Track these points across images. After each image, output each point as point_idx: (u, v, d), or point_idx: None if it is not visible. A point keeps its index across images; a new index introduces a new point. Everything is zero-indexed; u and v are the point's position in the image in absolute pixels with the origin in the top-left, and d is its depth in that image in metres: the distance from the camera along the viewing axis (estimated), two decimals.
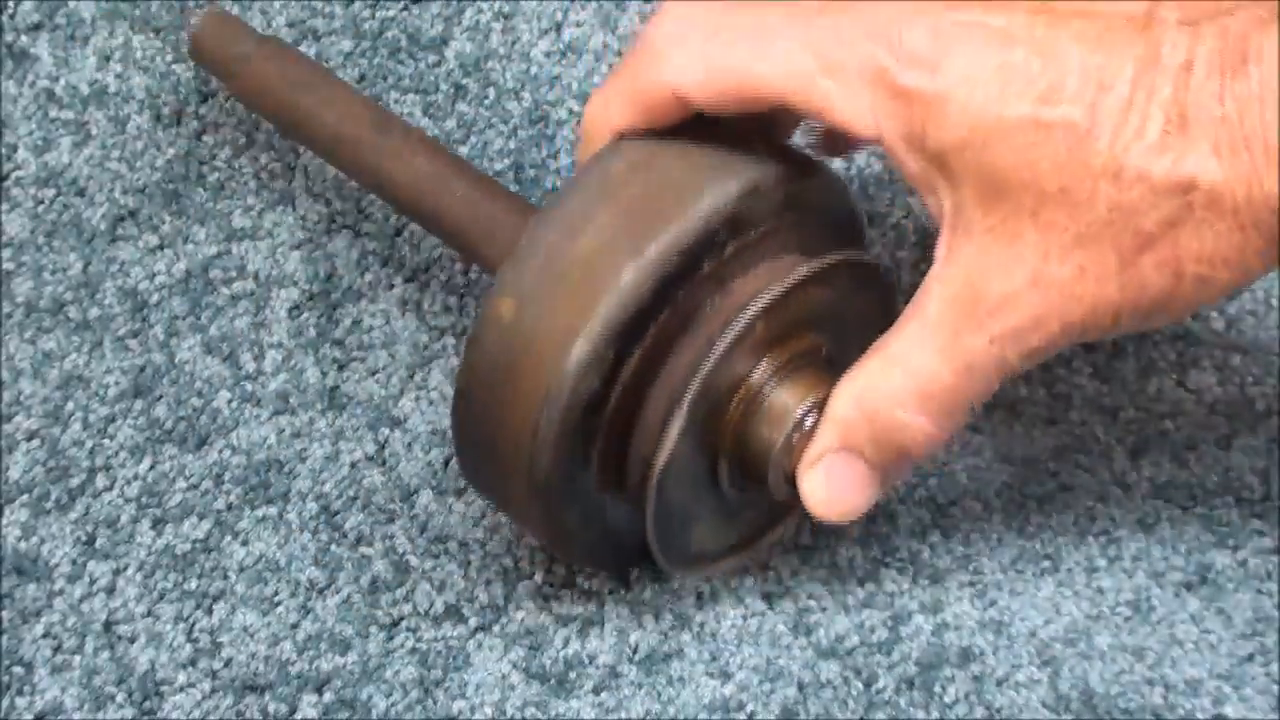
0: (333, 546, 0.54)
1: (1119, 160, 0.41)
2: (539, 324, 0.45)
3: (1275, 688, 0.52)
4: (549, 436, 0.46)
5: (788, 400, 0.47)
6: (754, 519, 0.52)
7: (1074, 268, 0.43)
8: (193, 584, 0.53)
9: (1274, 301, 0.59)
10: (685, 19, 0.46)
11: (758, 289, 0.46)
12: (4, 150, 0.61)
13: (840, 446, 0.46)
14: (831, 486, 0.47)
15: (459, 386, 0.48)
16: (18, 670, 0.52)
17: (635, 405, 0.46)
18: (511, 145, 0.62)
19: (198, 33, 0.60)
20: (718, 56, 0.45)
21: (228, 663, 0.52)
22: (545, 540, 0.52)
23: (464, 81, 0.63)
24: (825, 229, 0.49)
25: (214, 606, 0.53)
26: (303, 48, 0.63)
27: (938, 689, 0.52)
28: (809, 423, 0.47)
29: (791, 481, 0.48)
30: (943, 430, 0.46)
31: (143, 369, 0.57)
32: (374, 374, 0.57)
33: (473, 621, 0.53)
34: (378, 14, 0.64)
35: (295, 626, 0.53)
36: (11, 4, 0.64)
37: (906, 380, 0.45)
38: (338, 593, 0.53)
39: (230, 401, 0.56)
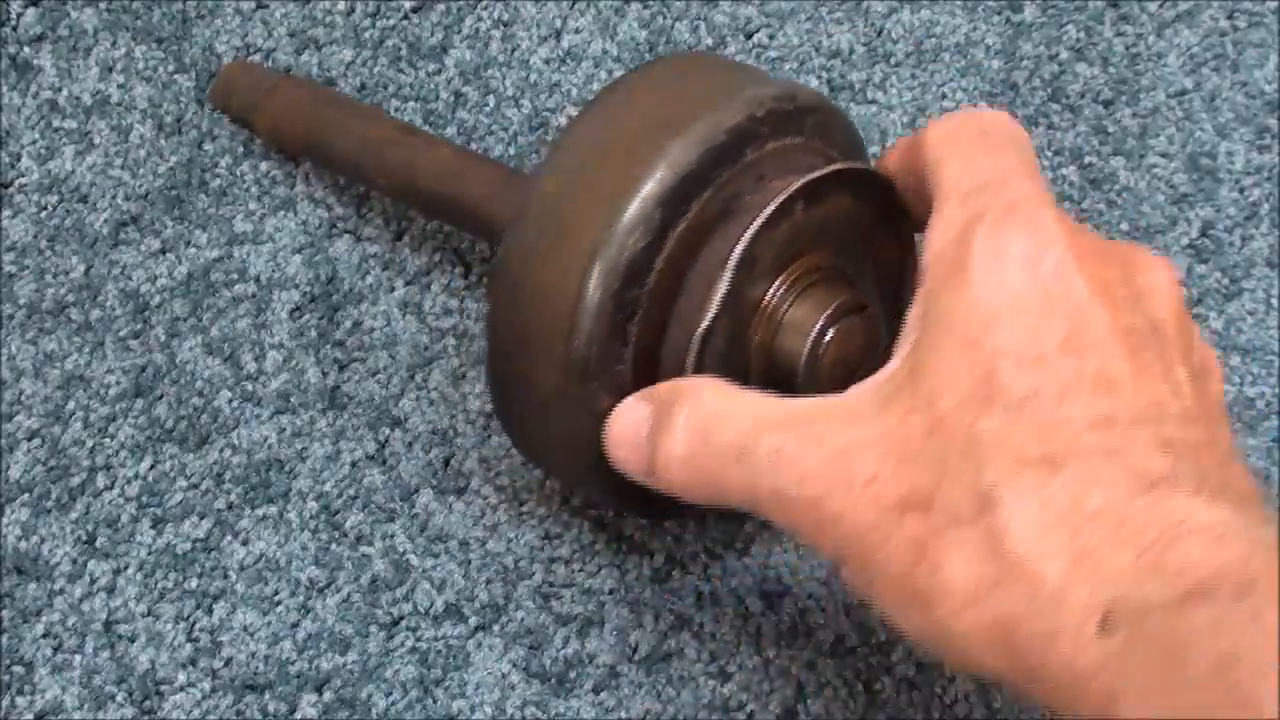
0: (333, 546, 0.54)
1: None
2: (587, 192, 0.46)
3: None
4: (594, 298, 0.45)
5: (807, 313, 0.47)
6: None
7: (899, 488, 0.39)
8: (193, 583, 0.53)
9: (1273, 302, 0.59)
10: None
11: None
12: (8, 159, 0.61)
13: (656, 402, 0.45)
14: (621, 419, 0.46)
15: (500, 260, 0.47)
16: (18, 669, 0.52)
17: (674, 290, 0.46)
18: (511, 152, 0.62)
19: (217, 83, 0.63)
20: None
21: (228, 662, 0.52)
22: (568, 456, 0.49)
23: (464, 89, 0.63)
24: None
25: (214, 606, 0.53)
26: (304, 57, 0.64)
27: (938, 689, 0.52)
28: (829, 335, 0.46)
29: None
30: (682, 479, 0.44)
31: (144, 369, 0.57)
32: (374, 374, 0.57)
33: (473, 621, 0.53)
34: (378, 23, 0.65)
35: (295, 626, 0.53)
36: (14, 16, 0.64)
37: (722, 410, 0.43)
38: (338, 592, 0.53)
39: (231, 401, 0.56)
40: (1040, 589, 0.36)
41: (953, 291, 0.40)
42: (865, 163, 0.52)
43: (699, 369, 0.45)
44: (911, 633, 0.39)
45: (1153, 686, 0.34)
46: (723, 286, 0.45)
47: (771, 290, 0.47)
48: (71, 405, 0.56)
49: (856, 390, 0.41)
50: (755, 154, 0.47)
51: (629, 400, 0.46)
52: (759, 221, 0.45)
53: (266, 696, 0.51)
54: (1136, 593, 0.35)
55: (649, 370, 0.47)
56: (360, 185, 0.60)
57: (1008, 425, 0.38)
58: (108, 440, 0.56)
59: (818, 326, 0.46)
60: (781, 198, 0.45)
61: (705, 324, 0.45)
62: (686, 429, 0.43)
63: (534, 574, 0.54)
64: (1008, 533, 0.37)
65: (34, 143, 0.62)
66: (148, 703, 0.51)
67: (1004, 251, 0.40)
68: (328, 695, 0.51)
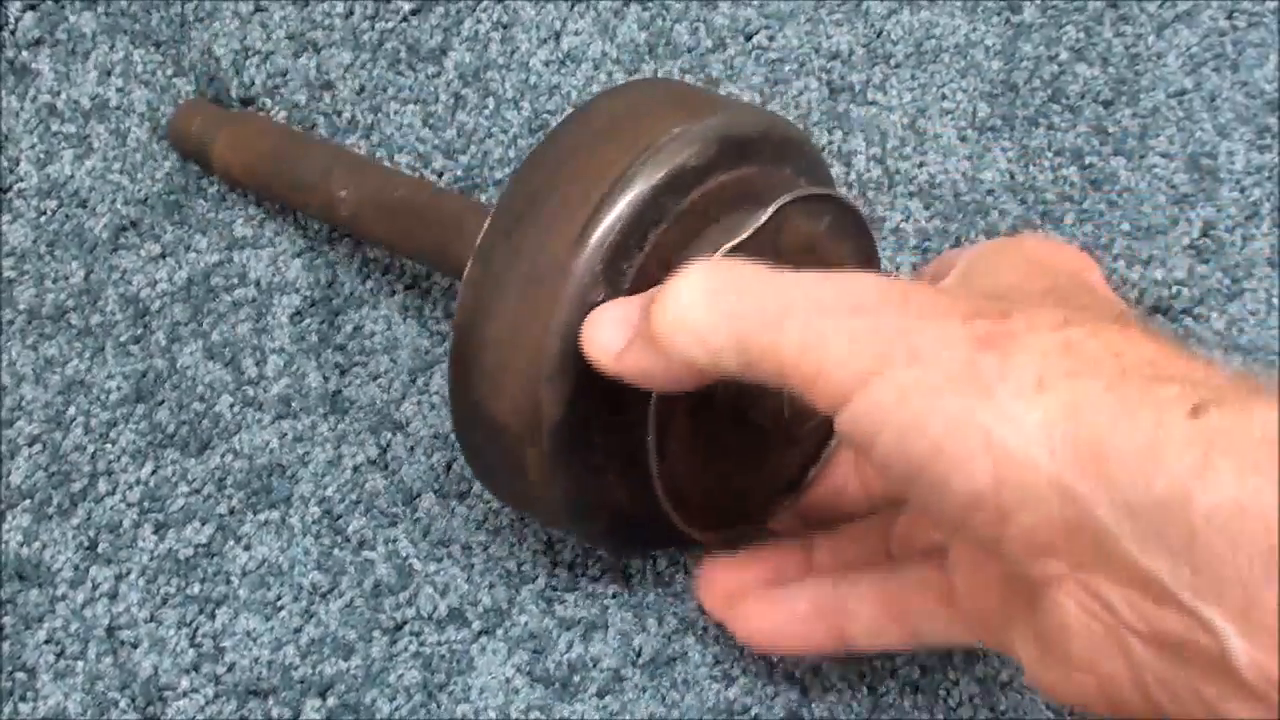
0: (335, 550, 0.54)
1: None
2: (542, 233, 0.44)
3: None
4: (560, 320, 0.44)
5: None
6: (758, 488, 0.50)
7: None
8: (195, 589, 0.53)
9: (1274, 301, 0.59)
10: None
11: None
12: (7, 163, 0.61)
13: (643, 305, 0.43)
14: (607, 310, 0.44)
15: (462, 304, 0.46)
16: (20, 676, 0.52)
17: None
18: (511, 154, 0.62)
19: (173, 125, 0.62)
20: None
21: (231, 668, 0.52)
22: (559, 497, 0.47)
23: (463, 91, 0.63)
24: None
25: (217, 611, 0.53)
26: (302, 60, 0.64)
27: (942, 692, 0.52)
28: None
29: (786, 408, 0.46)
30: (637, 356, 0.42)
31: (144, 374, 0.57)
32: (376, 378, 0.57)
33: (476, 625, 0.53)
34: (377, 26, 0.65)
35: (298, 631, 0.52)
36: (13, 19, 0.64)
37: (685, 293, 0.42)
38: (340, 597, 0.53)
39: (232, 406, 0.56)
40: (1119, 378, 0.36)
41: None
42: (829, 180, 0.51)
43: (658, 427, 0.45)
44: (942, 427, 0.37)
45: (1247, 453, 0.33)
46: None
47: None
48: (72, 411, 0.56)
49: None
50: (717, 180, 0.45)
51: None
52: (729, 245, 0.44)
53: (270, 702, 0.51)
54: (1218, 394, 0.35)
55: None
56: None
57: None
58: (109, 446, 0.56)
59: None
60: (756, 223, 0.44)
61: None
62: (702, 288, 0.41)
63: (537, 578, 0.53)
64: (1090, 338, 0.37)
65: (32, 147, 0.62)
66: (151, 709, 0.51)
67: None
68: (331, 701, 0.51)
